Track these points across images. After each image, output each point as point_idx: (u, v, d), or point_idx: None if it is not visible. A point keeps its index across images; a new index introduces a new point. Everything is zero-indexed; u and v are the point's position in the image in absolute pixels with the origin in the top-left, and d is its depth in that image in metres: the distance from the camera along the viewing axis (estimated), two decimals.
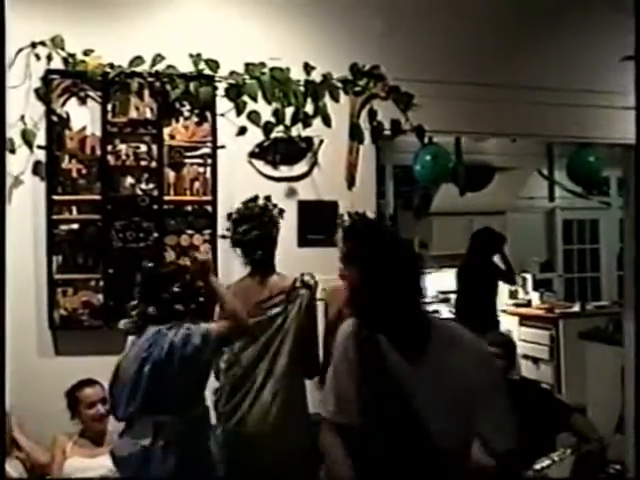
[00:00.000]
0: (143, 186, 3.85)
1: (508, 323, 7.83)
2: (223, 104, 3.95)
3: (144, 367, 2.93)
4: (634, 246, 4.12)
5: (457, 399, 2.06)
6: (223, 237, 3.47)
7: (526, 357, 7.52)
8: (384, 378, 2.13)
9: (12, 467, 3.38)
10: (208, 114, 3.92)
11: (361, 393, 2.17)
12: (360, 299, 2.09)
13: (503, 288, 8.36)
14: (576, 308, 7.50)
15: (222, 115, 3.95)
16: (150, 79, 3.83)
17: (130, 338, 3.12)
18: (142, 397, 2.93)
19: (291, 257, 3.60)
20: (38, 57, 3.72)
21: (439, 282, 7.67)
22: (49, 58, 3.74)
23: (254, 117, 3.97)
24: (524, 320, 7.75)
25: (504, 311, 8.04)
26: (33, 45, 3.71)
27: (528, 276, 8.30)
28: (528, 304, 8.00)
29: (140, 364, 2.94)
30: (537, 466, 3.54)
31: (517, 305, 8.04)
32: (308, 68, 4.03)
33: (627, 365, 4.91)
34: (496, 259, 6.63)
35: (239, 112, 3.97)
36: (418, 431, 2.08)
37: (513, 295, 8.28)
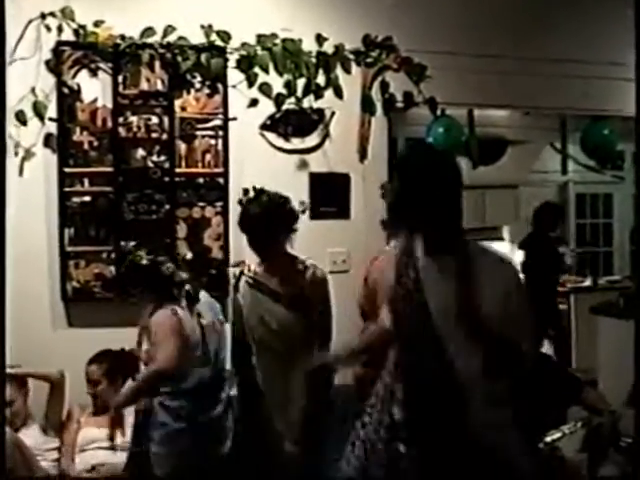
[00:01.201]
0: (154, 158, 3.84)
1: None
2: (234, 76, 3.93)
3: None
4: None
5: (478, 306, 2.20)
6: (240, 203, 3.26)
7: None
8: (410, 284, 2.34)
9: (28, 435, 3.41)
10: (219, 86, 3.90)
11: (396, 304, 2.40)
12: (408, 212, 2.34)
13: (515, 262, 8.35)
14: (588, 283, 7.48)
15: (233, 87, 3.93)
16: (161, 50, 3.81)
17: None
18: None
19: (303, 229, 3.58)
20: (49, 28, 3.70)
21: None
22: (59, 29, 3.71)
23: (265, 89, 3.95)
24: None
25: None
26: (43, 16, 3.68)
27: None
28: None
29: None
30: (548, 439, 3.55)
31: None
32: (320, 39, 3.99)
33: (637, 339, 4.89)
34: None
35: (250, 84, 3.94)
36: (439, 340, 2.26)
37: None
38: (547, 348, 7.04)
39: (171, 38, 3.81)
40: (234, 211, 3.87)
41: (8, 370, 3.20)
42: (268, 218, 3.06)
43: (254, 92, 3.96)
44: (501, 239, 8.34)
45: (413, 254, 2.39)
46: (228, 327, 3.28)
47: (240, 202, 3.17)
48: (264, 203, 3.08)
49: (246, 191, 3.17)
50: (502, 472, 2.28)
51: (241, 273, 3.22)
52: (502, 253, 2.44)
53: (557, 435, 3.56)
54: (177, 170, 3.86)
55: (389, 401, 2.40)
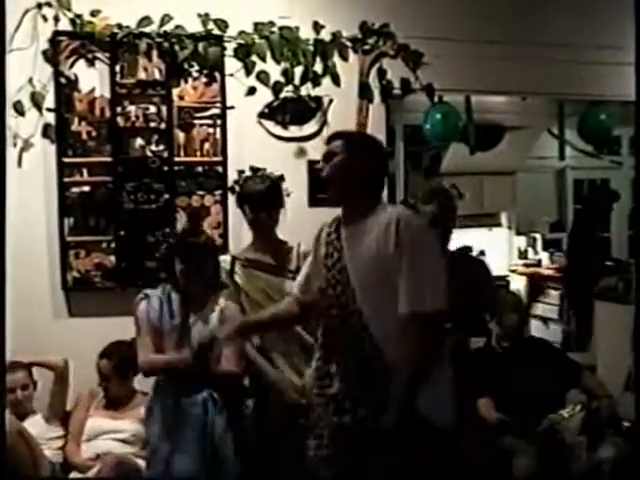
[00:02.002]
0: (153, 147, 3.85)
1: (518, 283, 7.84)
2: (232, 64, 3.93)
3: None
4: None
5: (380, 263, 2.38)
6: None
7: (536, 317, 7.55)
8: (333, 255, 2.53)
9: (32, 424, 3.43)
10: (217, 74, 3.90)
11: (321, 271, 2.57)
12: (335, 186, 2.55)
13: (513, 248, 8.39)
14: None
15: (231, 75, 3.93)
16: (158, 40, 3.80)
17: None
18: None
19: (302, 217, 3.60)
20: (45, 18, 3.70)
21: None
22: (56, 19, 3.71)
23: (263, 77, 3.95)
24: (533, 280, 7.77)
25: (513, 271, 8.05)
26: (39, 6, 3.68)
27: (538, 236, 8.29)
28: (538, 264, 8.01)
29: None
30: (547, 422, 3.58)
31: (527, 265, 8.05)
32: (317, 27, 3.99)
33: (636, 324, 4.91)
34: None
35: (248, 72, 3.94)
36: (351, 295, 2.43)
37: (523, 255, 8.28)
38: (545, 334, 7.09)
39: (168, 27, 3.81)
40: (234, 199, 3.89)
41: (16, 358, 3.27)
42: (275, 191, 3.27)
43: (252, 80, 3.96)
44: (499, 225, 8.37)
45: (338, 229, 2.58)
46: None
47: (238, 180, 3.36)
48: (268, 177, 3.32)
49: (242, 172, 3.40)
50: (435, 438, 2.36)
51: (234, 258, 3.29)
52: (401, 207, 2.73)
53: (556, 419, 3.60)
54: (176, 159, 3.87)
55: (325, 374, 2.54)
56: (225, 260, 3.31)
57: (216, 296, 3.18)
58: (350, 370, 2.45)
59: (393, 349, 2.34)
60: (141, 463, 3.28)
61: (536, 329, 7.39)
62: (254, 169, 3.41)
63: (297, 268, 3.17)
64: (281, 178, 3.37)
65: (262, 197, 3.23)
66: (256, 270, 3.26)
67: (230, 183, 3.72)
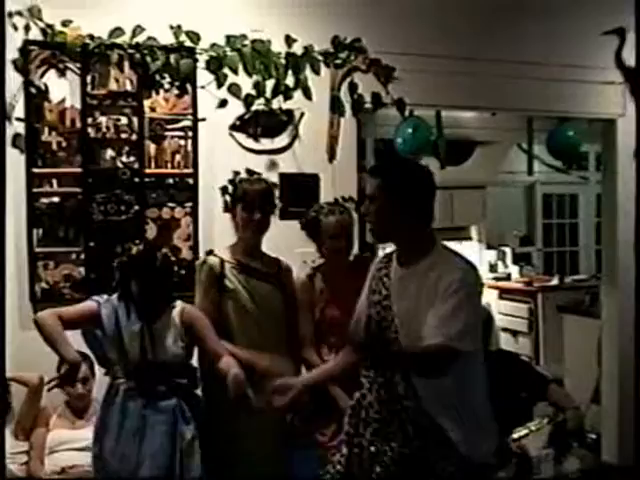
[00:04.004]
0: (124, 159, 3.83)
1: (488, 296, 7.90)
2: (204, 76, 3.93)
3: None
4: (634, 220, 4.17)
5: (426, 311, 2.30)
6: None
7: (505, 330, 7.60)
8: (383, 291, 2.47)
9: None
10: (189, 86, 3.90)
11: (369, 310, 2.52)
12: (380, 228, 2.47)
13: (483, 262, 8.44)
14: (555, 282, 7.59)
15: (203, 87, 3.93)
16: (130, 51, 3.79)
17: None
18: None
19: (273, 230, 3.60)
20: (15, 27, 3.67)
21: None
22: (27, 29, 3.68)
23: (235, 89, 3.96)
24: (503, 293, 7.83)
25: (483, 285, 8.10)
26: (9, 15, 3.64)
27: (508, 250, 8.37)
28: (507, 278, 8.07)
29: None
30: (514, 435, 3.60)
31: (497, 279, 8.11)
32: (289, 40, 4.01)
33: (603, 337, 4.99)
34: None
35: (220, 84, 3.95)
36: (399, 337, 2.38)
37: (493, 269, 8.35)
38: (514, 347, 7.14)
39: (140, 38, 3.80)
40: (204, 211, 3.89)
41: None
42: (270, 194, 3.34)
43: (223, 93, 3.96)
44: (469, 238, 8.43)
45: (390, 264, 2.51)
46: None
47: (232, 181, 3.47)
48: (263, 180, 3.40)
49: (237, 173, 3.56)
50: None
51: (222, 260, 3.27)
52: (461, 260, 2.47)
53: (524, 432, 3.63)
54: (146, 171, 3.85)
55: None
56: (214, 262, 3.27)
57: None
58: (387, 411, 2.43)
59: (434, 395, 2.34)
60: None
61: (506, 342, 7.46)
62: (250, 172, 3.51)
63: (283, 282, 3.29)
64: (274, 184, 3.45)
65: (259, 197, 3.25)
66: (248, 275, 3.26)
67: (202, 198, 3.75)
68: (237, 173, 3.52)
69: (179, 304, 3.17)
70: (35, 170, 3.72)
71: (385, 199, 2.40)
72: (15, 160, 3.70)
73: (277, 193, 3.48)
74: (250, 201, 3.24)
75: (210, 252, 3.41)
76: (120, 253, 3.30)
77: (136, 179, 3.84)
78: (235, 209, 3.29)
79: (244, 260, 3.29)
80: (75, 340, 3.15)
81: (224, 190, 3.48)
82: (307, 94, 4.06)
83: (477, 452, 2.36)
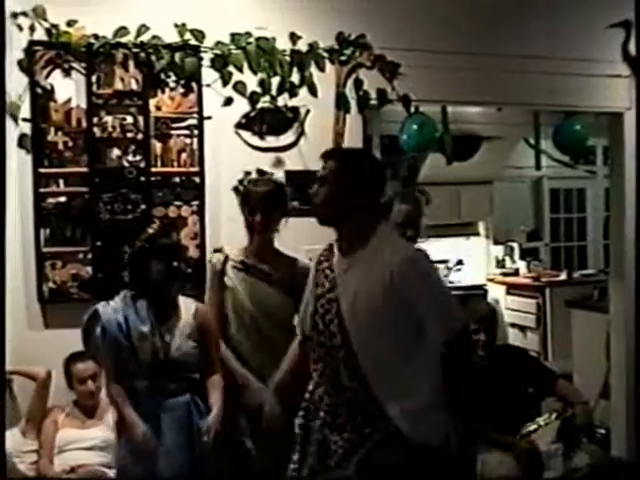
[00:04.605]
0: (130, 158, 3.83)
1: (495, 292, 7.89)
2: (209, 74, 3.93)
3: None
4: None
5: (374, 298, 2.33)
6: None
7: (513, 325, 7.60)
8: (326, 284, 2.48)
9: (9, 438, 3.39)
10: (194, 85, 3.89)
11: (314, 303, 2.53)
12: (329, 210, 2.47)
13: (490, 257, 8.44)
14: (563, 276, 7.58)
15: (208, 86, 3.93)
16: (135, 50, 3.79)
17: None
18: None
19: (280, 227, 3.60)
20: (20, 28, 3.68)
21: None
22: (32, 29, 3.69)
23: (240, 87, 3.96)
24: (511, 289, 7.83)
25: (491, 280, 8.10)
26: (14, 15, 3.66)
27: (515, 245, 8.36)
28: (515, 273, 8.07)
29: None
30: (524, 430, 3.60)
31: (504, 274, 8.11)
32: (294, 38, 4.00)
33: (612, 332, 4.97)
34: None
35: (225, 82, 3.95)
36: (342, 328, 2.39)
37: (500, 264, 8.34)
38: (522, 342, 7.13)
39: (145, 37, 3.80)
40: (210, 210, 3.89)
41: None
42: (276, 196, 3.30)
43: (229, 91, 3.96)
44: (477, 234, 8.43)
45: (331, 256, 2.53)
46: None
47: (242, 181, 3.48)
48: (272, 181, 3.43)
49: (248, 173, 3.59)
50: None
51: (226, 258, 3.28)
52: (405, 245, 2.56)
53: (532, 427, 3.63)
54: (153, 169, 3.85)
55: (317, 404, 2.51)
56: (217, 259, 3.30)
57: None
58: (335, 402, 2.44)
59: (379, 383, 2.35)
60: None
61: (514, 337, 7.46)
62: (261, 172, 3.55)
63: (294, 282, 3.16)
64: (283, 185, 3.46)
65: (260, 199, 3.24)
66: (248, 275, 3.25)
67: (208, 196, 3.75)
68: (248, 173, 3.52)
69: (192, 303, 3.18)
70: (42, 170, 3.73)
71: (337, 182, 2.43)
72: (22, 160, 3.72)
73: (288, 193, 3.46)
74: (252, 203, 3.24)
75: (217, 250, 3.42)
76: (132, 245, 3.26)
77: (142, 178, 3.84)
78: (243, 209, 3.31)
79: (250, 261, 3.28)
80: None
81: (236, 190, 3.47)
82: (312, 91, 4.06)
83: (426, 439, 2.35)
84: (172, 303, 3.14)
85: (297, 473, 2.53)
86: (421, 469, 2.32)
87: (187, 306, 3.17)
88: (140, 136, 3.84)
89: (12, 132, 3.69)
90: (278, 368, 2.88)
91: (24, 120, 3.70)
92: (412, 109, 4.28)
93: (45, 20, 3.69)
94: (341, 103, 4.11)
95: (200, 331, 3.12)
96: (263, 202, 3.24)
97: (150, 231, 3.19)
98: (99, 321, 3.05)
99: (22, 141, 3.72)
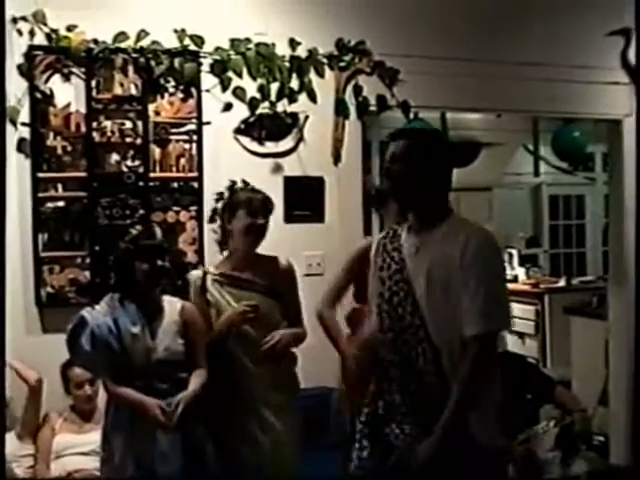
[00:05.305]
0: (129, 163, 3.83)
1: None
2: (208, 80, 3.93)
3: None
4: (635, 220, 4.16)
5: (446, 279, 2.30)
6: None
7: (512, 332, 7.58)
8: (392, 265, 2.44)
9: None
10: (193, 90, 3.89)
11: (379, 280, 2.49)
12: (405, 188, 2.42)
13: None
14: (562, 283, 7.57)
15: (207, 91, 3.93)
16: (134, 55, 3.79)
17: None
18: None
19: (278, 233, 3.60)
20: (20, 33, 3.68)
21: None
22: (32, 34, 3.69)
23: (239, 93, 3.96)
24: (510, 295, 7.79)
25: None
26: (14, 20, 3.66)
27: (514, 252, 8.35)
28: (514, 279, 8.05)
29: None
30: (522, 438, 3.60)
31: None
32: (293, 43, 4.01)
33: (611, 339, 4.97)
34: None
35: (224, 88, 3.95)
36: (416, 309, 2.36)
37: None
38: (521, 349, 7.13)
39: (144, 43, 3.80)
40: (209, 215, 3.89)
41: None
42: (270, 202, 3.29)
43: (228, 96, 3.96)
44: None
45: (395, 239, 2.50)
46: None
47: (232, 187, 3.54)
48: (260, 191, 3.37)
49: (234, 182, 3.69)
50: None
51: (205, 273, 3.26)
52: (482, 228, 2.48)
53: (531, 434, 3.61)
54: (151, 175, 3.85)
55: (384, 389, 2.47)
56: (196, 276, 3.27)
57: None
58: (407, 385, 2.39)
59: (452, 365, 2.31)
60: None
61: (513, 344, 7.44)
62: (246, 182, 3.59)
63: (275, 284, 3.19)
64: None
65: (261, 203, 3.24)
66: (231, 287, 3.21)
67: (206, 201, 3.75)
68: (234, 182, 3.50)
69: (178, 301, 3.17)
70: (40, 175, 3.73)
71: (411, 159, 2.39)
72: (20, 165, 3.72)
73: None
74: (254, 207, 3.20)
75: (195, 266, 3.39)
76: (116, 247, 3.25)
77: (141, 183, 3.84)
78: (233, 217, 3.23)
79: (231, 272, 3.23)
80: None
81: (220, 196, 3.45)
82: (312, 97, 4.06)
83: (493, 443, 2.33)
84: (159, 303, 3.13)
85: (360, 468, 2.52)
86: (482, 467, 2.30)
87: (173, 305, 3.15)
88: (139, 141, 3.84)
89: (11, 136, 3.69)
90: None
91: (23, 124, 3.70)
92: (411, 115, 4.28)
93: (45, 25, 3.69)
94: (340, 109, 4.11)
95: (187, 328, 3.11)
96: (265, 206, 3.24)
97: (134, 232, 3.19)
98: (86, 328, 3.01)
99: (21, 145, 3.71)
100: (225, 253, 3.33)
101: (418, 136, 2.52)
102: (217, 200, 3.41)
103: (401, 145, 2.43)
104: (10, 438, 3.43)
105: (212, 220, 3.35)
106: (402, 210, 2.59)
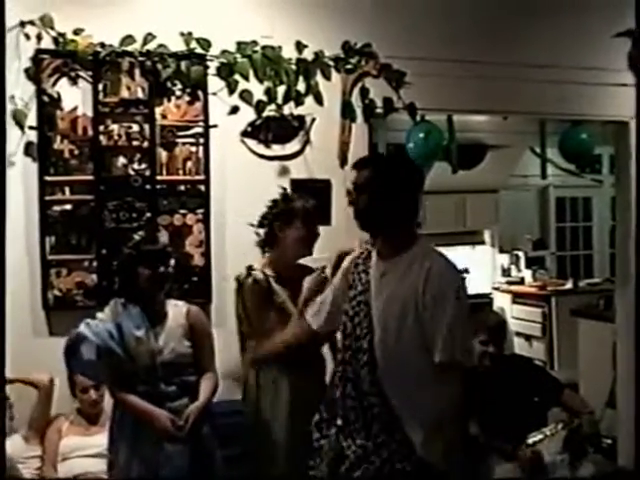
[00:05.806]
0: (135, 166, 3.84)
1: (501, 301, 7.88)
2: (215, 83, 3.94)
3: None
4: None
5: (404, 307, 2.34)
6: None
7: (519, 334, 7.57)
8: (359, 286, 2.49)
9: (10, 444, 3.39)
10: (200, 93, 3.90)
11: (345, 302, 2.54)
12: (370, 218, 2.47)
13: (496, 266, 8.42)
14: (568, 285, 7.56)
15: (214, 94, 3.93)
16: (141, 58, 3.80)
17: None
18: None
19: None
20: (28, 37, 3.69)
21: None
22: (39, 38, 3.70)
23: (246, 96, 3.96)
24: (517, 298, 7.81)
25: (497, 289, 8.09)
26: (22, 24, 3.67)
27: (521, 254, 8.34)
28: (521, 282, 8.05)
29: None
30: (529, 440, 3.58)
31: (510, 283, 8.09)
32: (300, 46, 4.01)
33: (618, 341, 4.95)
34: None
35: (231, 91, 3.95)
36: (370, 331, 2.41)
37: (506, 273, 8.32)
38: (528, 351, 7.11)
39: (151, 46, 3.81)
40: (215, 218, 3.89)
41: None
42: None
43: (235, 99, 3.97)
44: (482, 243, 8.41)
45: (367, 260, 2.53)
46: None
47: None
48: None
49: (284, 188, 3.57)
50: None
51: (265, 275, 3.24)
52: (447, 259, 2.47)
53: (539, 437, 3.61)
54: (158, 178, 3.86)
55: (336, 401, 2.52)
56: (259, 277, 3.20)
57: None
58: (359, 402, 2.43)
59: (396, 388, 2.35)
60: None
61: (520, 346, 7.43)
62: (284, 189, 3.53)
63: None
64: None
65: (315, 211, 3.34)
66: (288, 287, 3.21)
67: (213, 204, 3.74)
68: (284, 189, 3.49)
69: (184, 305, 3.18)
70: (47, 178, 3.74)
71: (374, 189, 2.42)
72: (27, 168, 3.72)
73: None
74: (311, 216, 3.29)
75: (250, 267, 3.29)
76: (119, 253, 3.28)
77: (148, 186, 3.84)
78: (289, 224, 3.25)
79: (284, 273, 3.25)
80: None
81: (274, 204, 3.40)
82: (318, 100, 4.06)
83: (434, 457, 2.33)
84: (163, 307, 3.14)
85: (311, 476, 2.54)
86: None
87: (178, 308, 3.17)
88: (146, 144, 3.84)
89: (19, 140, 3.70)
90: None
91: (30, 128, 3.71)
92: (418, 118, 4.27)
93: (52, 29, 3.70)
94: (347, 112, 4.11)
95: (193, 331, 3.13)
96: (316, 215, 3.34)
97: (136, 238, 3.20)
98: (84, 341, 3.00)
99: (28, 149, 3.72)
100: (267, 256, 3.34)
101: (381, 166, 2.55)
102: (271, 207, 3.35)
103: (364, 175, 2.47)
104: (14, 441, 3.44)
105: (261, 225, 3.34)
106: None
